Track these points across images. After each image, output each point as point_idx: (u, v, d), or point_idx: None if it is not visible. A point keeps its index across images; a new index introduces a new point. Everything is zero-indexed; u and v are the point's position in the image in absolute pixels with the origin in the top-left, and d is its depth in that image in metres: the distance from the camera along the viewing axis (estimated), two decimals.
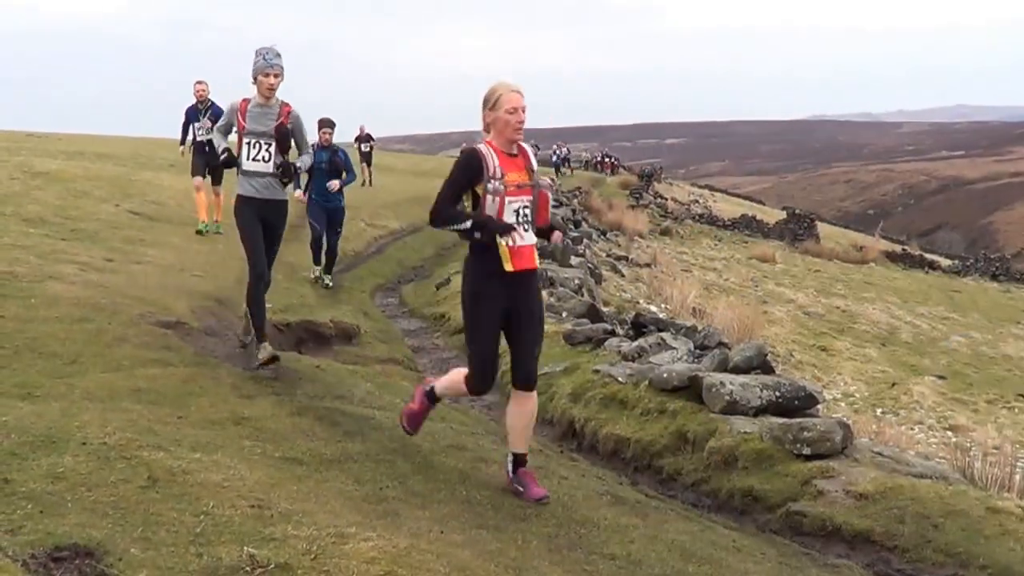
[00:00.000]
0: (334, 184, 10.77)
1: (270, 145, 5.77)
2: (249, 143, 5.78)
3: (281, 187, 5.92)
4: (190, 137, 11.97)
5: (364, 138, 25.48)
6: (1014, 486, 5.05)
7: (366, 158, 24.96)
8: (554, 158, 45.63)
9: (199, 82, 11.83)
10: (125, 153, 22.78)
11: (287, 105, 5.88)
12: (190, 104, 11.88)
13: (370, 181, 24.15)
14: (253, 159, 5.78)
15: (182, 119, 12.04)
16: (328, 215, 11.03)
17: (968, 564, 3.98)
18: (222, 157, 5.92)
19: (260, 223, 5.83)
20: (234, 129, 5.90)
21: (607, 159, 59.90)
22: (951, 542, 4.12)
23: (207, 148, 11.09)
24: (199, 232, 11.75)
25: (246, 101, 5.83)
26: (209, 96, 11.74)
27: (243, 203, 5.85)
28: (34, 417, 3.84)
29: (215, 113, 11.09)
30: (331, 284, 11.44)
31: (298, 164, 6.04)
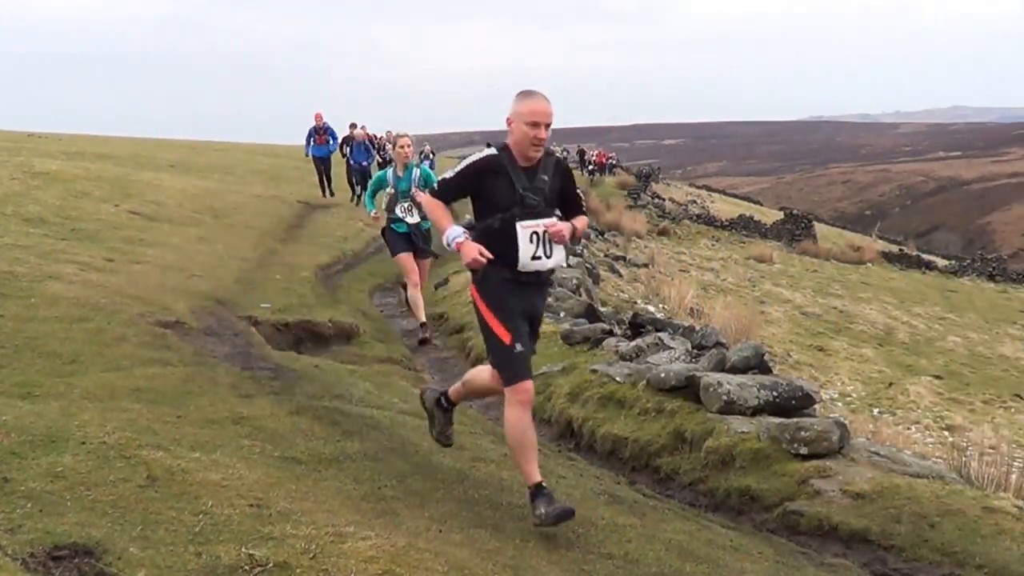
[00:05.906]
0: None
1: None
2: None
3: None
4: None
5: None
6: (1010, 485, 5.05)
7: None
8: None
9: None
10: (125, 153, 22.77)
11: None
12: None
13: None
14: None
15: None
16: None
17: (964, 563, 3.99)
18: None
19: None
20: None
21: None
22: (947, 541, 4.12)
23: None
24: None
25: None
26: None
27: None
28: (34, 416, 3.84)
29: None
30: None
31: None
